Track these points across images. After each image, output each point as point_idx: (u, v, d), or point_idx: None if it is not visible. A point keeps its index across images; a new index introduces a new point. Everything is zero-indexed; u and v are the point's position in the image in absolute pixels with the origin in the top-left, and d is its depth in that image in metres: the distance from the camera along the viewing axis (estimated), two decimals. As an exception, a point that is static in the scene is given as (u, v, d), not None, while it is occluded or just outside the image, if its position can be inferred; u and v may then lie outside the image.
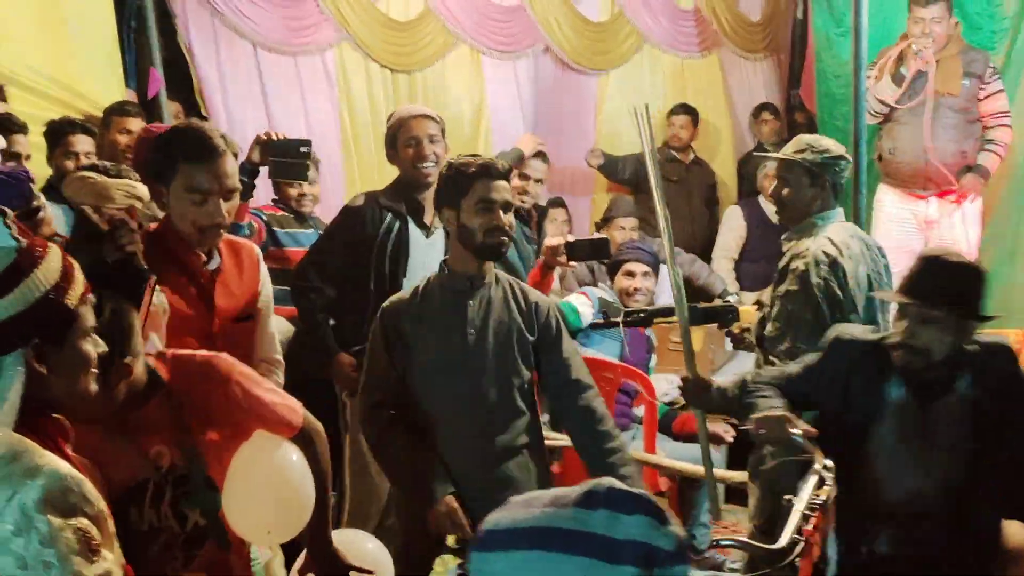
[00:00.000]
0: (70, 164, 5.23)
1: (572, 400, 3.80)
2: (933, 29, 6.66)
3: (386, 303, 3.85)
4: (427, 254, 4.70)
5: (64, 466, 2.08)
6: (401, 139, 4.69)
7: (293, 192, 5.82)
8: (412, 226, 4.70)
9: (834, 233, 4.29)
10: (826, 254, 4.19)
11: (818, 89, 8.53)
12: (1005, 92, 6.90)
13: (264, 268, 3.82)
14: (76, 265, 2.28)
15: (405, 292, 3.87)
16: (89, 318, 2.28)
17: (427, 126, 4.73)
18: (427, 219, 4.75)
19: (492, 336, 3.72)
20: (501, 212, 3.68)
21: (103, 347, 2.34)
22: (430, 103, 7.68)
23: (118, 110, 5.82)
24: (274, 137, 4.46)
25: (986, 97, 6.82)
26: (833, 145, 4.41)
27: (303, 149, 4.45)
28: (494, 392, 3.70)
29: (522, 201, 5.64)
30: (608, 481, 1.60)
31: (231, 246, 3.70)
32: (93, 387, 2.32)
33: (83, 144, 5.32)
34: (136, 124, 5.70)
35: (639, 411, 5.64)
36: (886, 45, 6.97)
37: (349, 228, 4.72)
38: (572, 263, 4.87)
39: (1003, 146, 6.86)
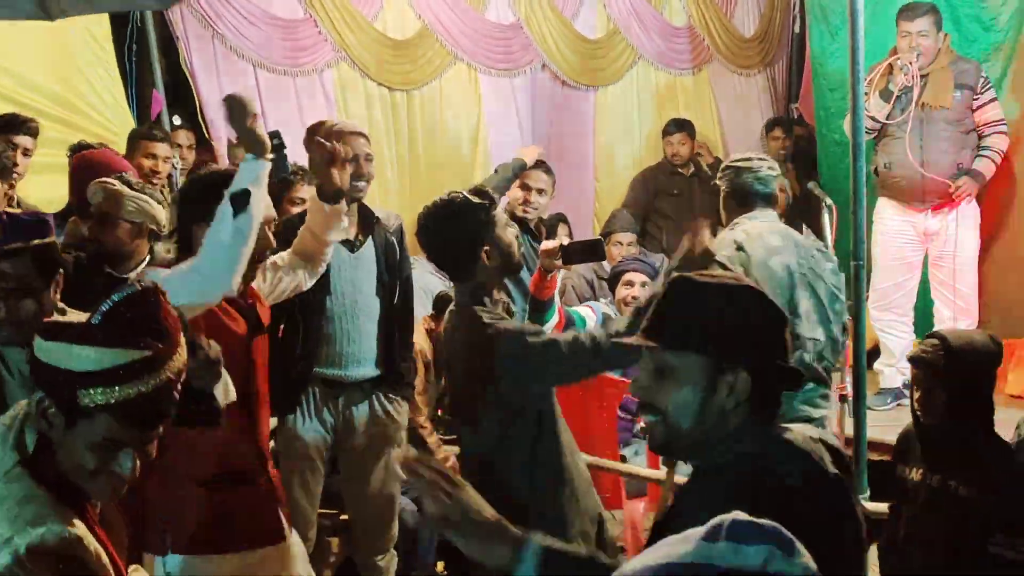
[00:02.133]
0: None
1: None
2: (920, 43, 6.67)
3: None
4: (355, 270, 4.68)
5: (68, 524, 2.11)
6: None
7: (295, 211, 5.82)
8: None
9: (750, 226, 4.55)
10: (734, 240, 4.47)
11: (816, 103, 8.57)
12: (998, 101, 6.93)
13: None
14: None
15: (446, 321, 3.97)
16: None
17: (364, 144, 4.68)
18: (349, 235, 4.64)
19: None
20: None
21: None
22: (427, 121, 7.76)
23: (145, 134, 5.87)
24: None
25: (980, 107, 6.82)
26: (739, 159, 4.79)
27: (275, 142, 4.44)
28: None
29: (524, 212, 5.61)
30: (734, 514, 1.58)
31: None
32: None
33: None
34: (162, 149, 5.76)
35: (641, 426, 5.66)
36: (880, 59, 7.00)
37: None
38: (568, 266, 4.87)
39: (998, 152, 6.87)
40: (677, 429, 2.18)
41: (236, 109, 3.44)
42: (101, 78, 6.36)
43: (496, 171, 5.66)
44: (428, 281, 6.70)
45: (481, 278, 3.69)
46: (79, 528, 2.12)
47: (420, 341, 5.47)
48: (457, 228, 3.66)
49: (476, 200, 3.66)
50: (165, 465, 3.32)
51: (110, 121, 6.29)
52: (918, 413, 3.74)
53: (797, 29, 9.91)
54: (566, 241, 4.71)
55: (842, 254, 6.43)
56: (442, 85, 7.88)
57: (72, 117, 6.15)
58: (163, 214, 4.24)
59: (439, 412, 5.85)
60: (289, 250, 4.07)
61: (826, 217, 6.73)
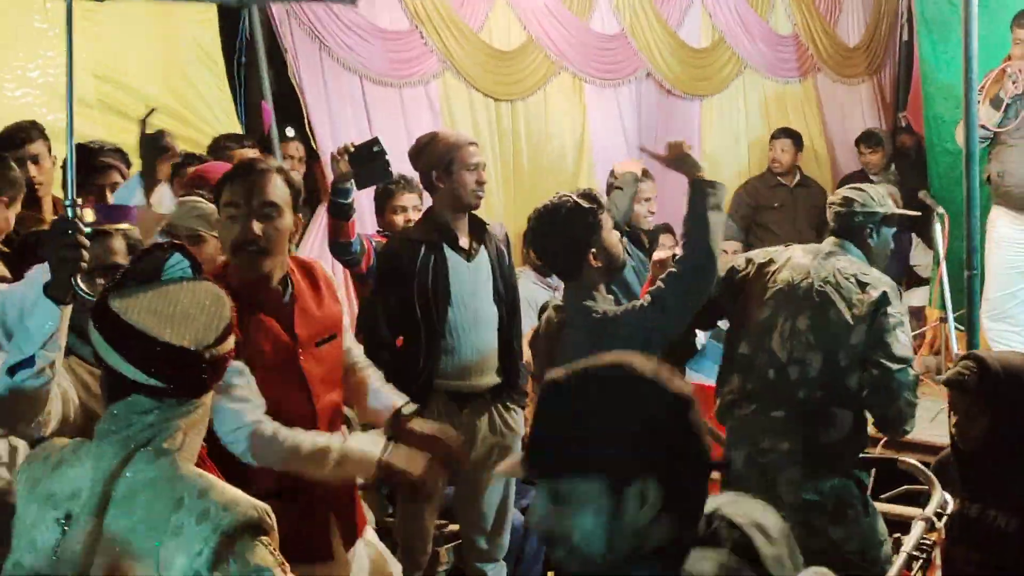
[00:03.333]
0: None
1: None
2: (1035, 50, 6.55)
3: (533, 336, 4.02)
4: (473, 279, 4.67)
5: (249, 497, 2.21)
6: (460, 163, 4.61)
7: (398, 219, 5.83)
8: (450, 253, 4.63)
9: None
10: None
11: (926, 112, 8.40)
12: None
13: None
14: None
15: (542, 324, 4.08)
16: None
17: (479, 152, 4.75)
18: (464, 243, 4.69)
19: None
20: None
21: None
22: (532, 131, 7.76)
23: (224, 144, 5.89)
24: (347, 147, 4.48)
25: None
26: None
27: (375, 149, 4.46)
28: None
29: (647, 223, 5.70)
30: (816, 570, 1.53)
31: (303, 268, 3.61)
32: None
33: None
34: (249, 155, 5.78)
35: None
36: (993, 67, 6.85)
37: (390, 271, 4.65)
38: None
39: None
40: (590, 559, 1.82)
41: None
42: (211, 90, 6.46)
43: (619, 190, 5.60)
44: (531, 291, 6.69)
45: (588, 278, 3.90)
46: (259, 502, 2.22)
47: (529, 353, 5.45)
48: (566, 230, 3.87)
49: (585, 204, 3.85)
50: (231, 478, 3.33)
51: (220, 134, 6.37)
52: (955, 439, 3.51)
53: (905, 37, 9.77)
54: (678, 252, 4.65)
55: (954, 263, 6.31)
56: (547, 95, 7.88)
57: (183, 130, 6.23)
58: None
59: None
60: None
61: (937, 226, 6.62)
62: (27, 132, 4.85)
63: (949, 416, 3.54)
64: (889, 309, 3.99)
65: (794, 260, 4.27)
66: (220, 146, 5.82)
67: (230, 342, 2.25)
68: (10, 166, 4.04)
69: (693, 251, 3.85)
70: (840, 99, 9.75)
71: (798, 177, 8.53)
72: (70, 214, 2.85)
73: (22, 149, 4.77)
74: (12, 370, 2.80)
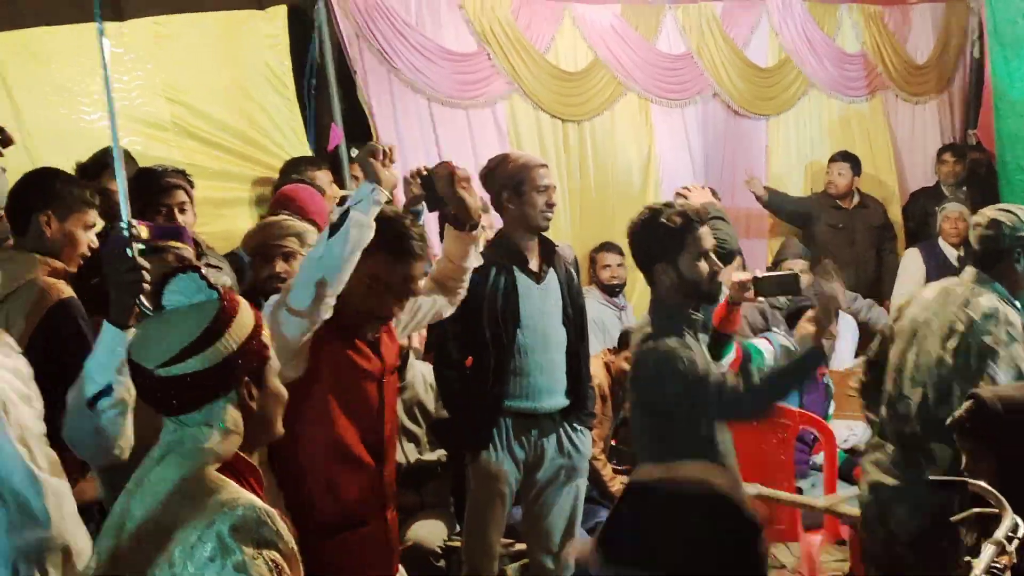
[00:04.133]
0: None
1: None
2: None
3: (642, 348, 3.93)
4: (543, 301, 4.69)
5: (260, 502, 2.19)
6: (530, 185, 4.63)
7: None
8: (520, 275, 4.66)
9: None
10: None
11: (998, 129, 8.29)
12: None
13: None
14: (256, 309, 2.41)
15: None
16: (276, 358, 2.41)
17: (549, 174, 4.77)
18: (534, 266, 4.71)
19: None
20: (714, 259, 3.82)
21: (285, 393, 2.44)
22: (599, 152, 7.77)
23: (301, 165, 5.98)
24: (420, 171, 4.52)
25: None
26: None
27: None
28: None
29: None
30: None
31: None
32: (281, 428, 2.44)
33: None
34: (322, 177, 5.86)
35: (818, 458, 5.54)
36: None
37: None
38: (759, 298, 4.82)
39: None
40: None
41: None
42: (281, 112, 6.53)
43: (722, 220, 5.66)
44: (598, 311, 6.71)
45: (658, 295, 3.92)
46: (268, 506, 2.20)
47: (598, 374, 5.45)
48: (639, 238, 3.92)
49: (659, 216, 3.83)
50: (294, 514, 3.38)
51: (290, 155, 6.44)
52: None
53: (976, 54, 9.66)
54: (759, 273, 4.64)
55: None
56: (613, 115, 7.88)
57: (253, 151, 6.33)
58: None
59: (613, 442, 5.83)
60: (427, 277, 3.98)
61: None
62: (97, 166, 4.94)
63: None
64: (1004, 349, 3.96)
65: (924, 296, 4.31)
66: (293, 168, 5.91)
67: (192, 362, 2.22)
68: (60, 180, 4.03)
69: (775, 388, 3.88)
70: (908, 117, 9.65)
71: (856, 199, 8.45)
72: (125, 234, 2.91)
73: (103, 177, 4.88)
74: (92, 402, 2.85)
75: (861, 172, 8.50)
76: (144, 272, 2.85)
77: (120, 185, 3.19)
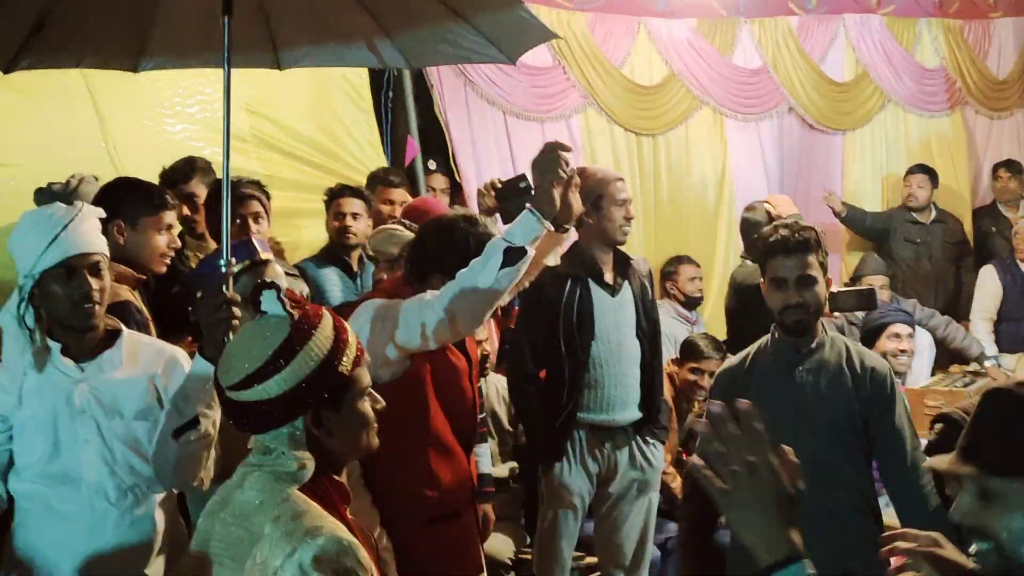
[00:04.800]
0: (338, 224, 5.45)
1: (902, 484, 3.57)
2: None
3: (719, 369, 3.89)
4: (617, 314, 4.69)
5: (343, 531, 2.17)
6: (608, 199, 4.65)
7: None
8: (595, 288, 4.67)
9: None
10: None
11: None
12: None
13: None
14: (350, 329, 2.34)
15: (736, 359, 3.83)
16: (365, 378, 2.35)
17: (627, 188, 4.78)
18: (608, 279, 4.72)
19: (821, 403, 3.58)
20: (792, 290, 3.59)
21: (382, 403, 2.39)
22: (673, 166, 7.77)
23: (382, 179, 6.04)
24: (494, 183, 4.52)
25: None
26: None
27: (522, 184, 4.44)
28: (822, 457, 3.48)
29: None
30: None
31: None
32: (375, 442, 2.39)
33: (351, 206, 5.46)
34: (400, 195, 5.90)
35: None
36: None
37: (536, 305, 4.67)
38: (835, 313, 4.77)
39: None
40: (1015, 557, 1.98)
41: (548, 163, 3.32)
42: (359, 125, 6.59)
43: None
44: (670, 324, 6.69)
45: None
46: (351, 536, 2.17)
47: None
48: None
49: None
50: (385, 505, 3.44)
51: (367, 167, 6.51)
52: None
53: (1059, 68, 9.52)
54: (834, 288, 4.61)
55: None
56: (688, 129, 7.88)
57: (331, 163, 6.40)
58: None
59: (684, 456, 5.80)
60: None
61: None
62: (183, 172, 5.04)
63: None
64: None
65: None
66: (378, 181, 6.00)
67: (257, 391, 2.22)
68: (125, 189, 4.12)
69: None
70: (988, 133, 9.53)
71: (934, 213, 8.35)
72: (223, 270, 2.98)
73: (177, 188, 4.97)
74: (177, 433, 2.90)
75: (939, 184, 8.41)
76: (234, 310, 2.90)
77: (224, 225, 3.28)
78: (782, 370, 3.65)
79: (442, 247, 3.59)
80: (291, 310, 2.27)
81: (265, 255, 3.60)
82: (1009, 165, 8.74)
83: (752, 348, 3.78)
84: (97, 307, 3.21)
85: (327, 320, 2.31)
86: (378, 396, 2.39)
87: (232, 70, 3.72)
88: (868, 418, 3.58)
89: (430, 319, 3.28)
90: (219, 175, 4.96)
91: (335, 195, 5.53)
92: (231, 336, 2.82)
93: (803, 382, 3.60)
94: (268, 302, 2.29)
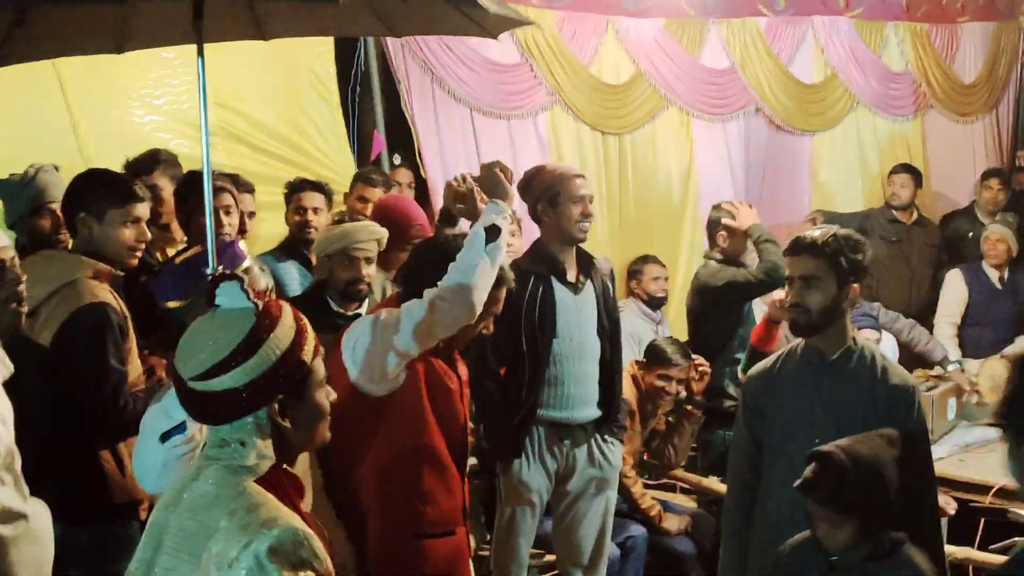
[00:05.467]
0: (298, 219, 5.45)
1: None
2: None
3: (751, 371, 3.92)
4: (579, 312, 4.69)
5: (298, 522, 2.18)
6: (565, 196, 4.63)
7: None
8: (557, 286, 4.66)
9: None
10: None
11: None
12: None
13: None
14: (307, 321, 2.36)
15: (768, 361, 3.85)
16: (321, 370, 2.36)
17: (587, 185, 4.75)
18: (571, 277, 4.71)
19: (838, 414, 3.57)
20: (795, 289, 3.64)
21: (334, 395, 2.41)
22: (639, 165, 7.78)
23: (364, 177, 6.05)
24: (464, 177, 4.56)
25: None
26: None
27: None
28: None
29: None
30: None
31: None
32: (328, 435, 2.41)
33: (312, 200, 5.46)
34: (376, 196, 5.89)
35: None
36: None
37: None
38: None
39: None
40: None
41: (489, 179, 3.83)
42: (325, 119, 6.58)
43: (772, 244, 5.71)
44: (635, 324, 6.70)
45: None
46: (307, 527, 2.19)
47: (627, 388, 5.46)
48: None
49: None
50: (377, 519, 3.48)
51: (332, 161, 6.52)
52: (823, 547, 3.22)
53: (1027, 74, 9.63)
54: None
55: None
56: (655, 129, 7.88)
57: (297, 157, 6.39)
58: (386, 234, 4.63)
59: (645, 456, 5.82)
60: None
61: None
62: (146, 164, 5.00)
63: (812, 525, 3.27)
64: None
65: None
66: (360, 178, 6.04)
67: (222, 380, 2.22)
68: (90, 181, 4.06)
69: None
70: (953, 137, 9.61)
71: (915, 215, 8.40)
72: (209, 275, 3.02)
73: (141, 179, 4.95)
74: (164, 437, 2.91)
75: (922, 184, 8.46)
76: None
77: (209, 233, 3.32)
78: (806, 376, 3.66)
79: (436, 263, 3.63)
80: (255, 300, 2.28)
81: (247, 262, 3.62)
82: (1000, 175, 8.74)
83: (784, 350, 3.80)
84: None
85: (287, 310, 2.33)
86: (331, 389, 2.41)
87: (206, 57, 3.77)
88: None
89: (436, 312, 3.43)
90: (185, 168, 5.00)
91: (295, 189, 5.53)
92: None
93: (824, 391, 3.61)
94: (226, 294, 2.29)
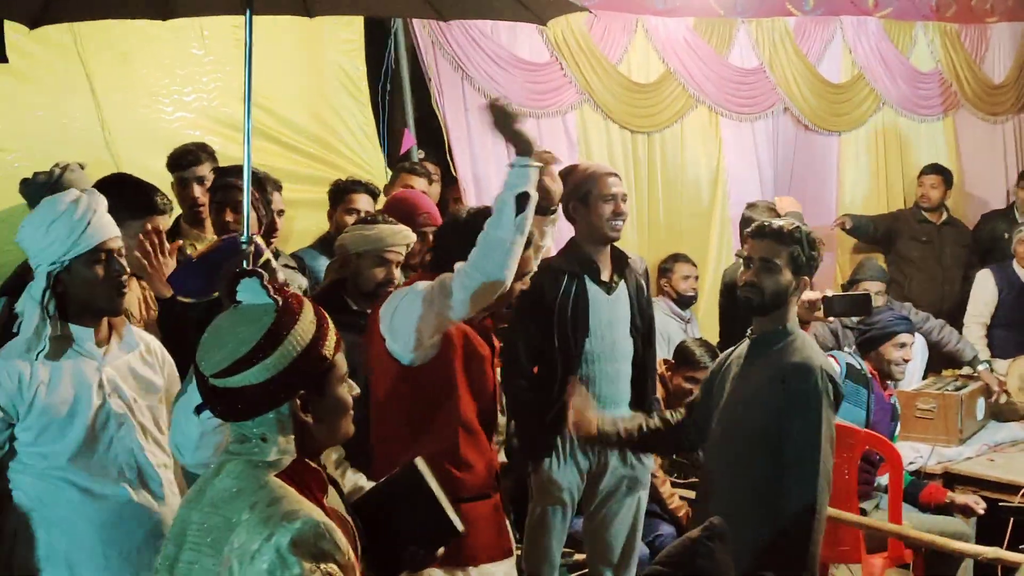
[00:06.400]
0: (350, 220, 5.42)
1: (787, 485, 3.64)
2: None
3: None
4: (612, 311, 4.69)
5: (319, 514, 2.19)
6: (596, 194, 4.65)
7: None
8: (590, 284, 4.67)
9: None
10: None
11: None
12: None
13: None
14: (327, 315, 2.38)
15: (723, 355, 4.04)
16: (343, 364, 2.38)
17: (619, 183, 4.76)
18: (605, 276, 4.72)
19: (752, 395, 3.77)
20: (753, 269, 3.82)
21: (357, 390, 2.43)
22: (668, 164, 7.77)
23: (407, 168, 6.11)
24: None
25: None
26: None
27: None
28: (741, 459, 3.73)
29: None
30: None
31: None
32: (351, 429, 2.43)
33: (363, 202, 5.48)
34: (420, 183, 5.92)
35: (883, 479, 5.50)
36: None
37: (529, 299, 4.58)
38: (830, 318, 4.78)
39: None
40: None
41: (499, 115, 3.64)
42: (355, 117, 6.59)
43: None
44: (664, 322, 6.70)
45: None
46: (328, 519, 2.20)
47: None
48: None
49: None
50: None
51: (362, 159, 6.52)
52: None
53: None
54: (830, 292, 4.61)
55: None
56: (683, 128, 7.87)
57: (326, 154, 6.40)
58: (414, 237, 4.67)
59: (675, 456, 5.81)
60: None
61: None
62: (195, 155, 5.07)
63: None
64: None
65: None
66: (403, 169, 6.12)
67: (242, 377, 2.23)
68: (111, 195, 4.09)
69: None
70: (982, 137, 9.57)
71: (945, 215, 8.37)
72: (244, 248, 3.06)
73: (189, 171, 4.99)
74: (199, 410, 2.94)
75: (952, 184, 8.43)
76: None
77: (245, 203, 3.34)
78: (740, 361, 3.86)
79: (461, 238, 3.67)
80: (275, 296, 2.29)
81: (266, 255, 3.63)
82: None
83: (736, 347, 3.96)
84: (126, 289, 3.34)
85: (308, 305, 2.35)
86: (353, 383, 2.43)
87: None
88: (780, 411, 3.67)
89: (469, 283, 3.44)
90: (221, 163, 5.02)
91: (346, 190, 5.54)
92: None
93: (751, 371, 3.79)
94: (247, 290, 2.31)
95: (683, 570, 2.60)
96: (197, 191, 4.96)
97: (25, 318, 3.29)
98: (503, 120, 3.62)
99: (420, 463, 2.60)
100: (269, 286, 2.30)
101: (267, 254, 3.65)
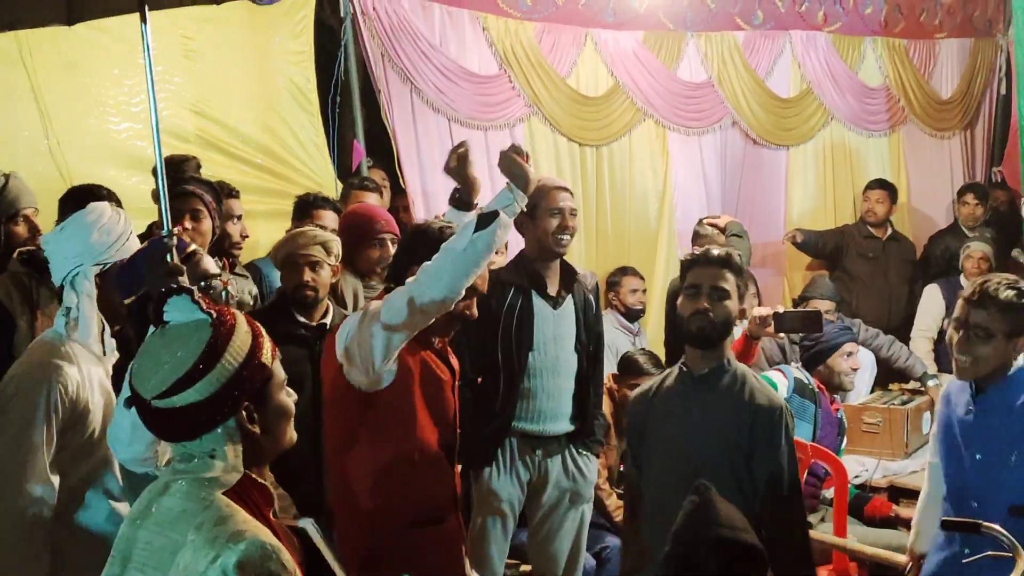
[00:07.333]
0: None
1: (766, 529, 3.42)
2: None
3: (633, 393, 3.96)
4: (557, 326, 4.69)
5: (266, 534, 2.18)
6: (544, 207, 4.62)
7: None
8: (536, 299, 4.66)
9: None
10: None
11: (1024, 166, 8.30)
12: None
13: None
14: (259, 325, 2.37)
15: (650, 381, 3.92)
16: (281, 372, 2.38)
17: (568, 198, 4.73)
18: (552, 290, 4.71)
19: (709, 434, 3.62)
20: (704, 297, 3.65)
21: (295, 395, 2.43)
22: (615, 177, 7.80)
23: (358, 185, 6.10)
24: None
25: None
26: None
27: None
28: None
29: None
30: None
31: None
32: (294, 435, 2.42)
33: (329, 219, 5.44)
34: (372, 199, 5.93)
35: (828, 493, 5.54)
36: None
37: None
38: (779, 334, 4.80)
39: None
40: None
41: (508, 162, 3.66)
42: (305, 128, 6.55)
43: (739, 238, 5.73)
44: (613, 336, 6.71)
45: None
46: (275, 540, 2.18)
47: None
48: None
49: None
50: (369, 509, 3.48)
51: (312, 170, 6.49)
52: None
53: (1003, 90, 9.69)
54: (781, 309, 4.63)
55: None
56: (631, 141, 7.89)
57: (276, 166, 6.37)
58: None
59: (621, 468, 5.82)
60: None
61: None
62: (180, 168, 5.08)
63: None
64: None
65: None
66: (354, 186, 6.12)
67: (185, 396, 2.21)
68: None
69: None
70: (929, 153, 9.68)
71: (890, 231, 8.46)
72: (166, 242, 3.05)
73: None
74: (129, 402, 2.91)
75: (897, 200, 8.51)
76: (181, 278, 2.98)
77: (161, 195, 3.33)
78: (679, 396, 3.71)
79: (420, 243, 3.72)
80: (208, 311, 2.28)
81: (192, 247, 3.62)
82: (975, 189, 8.76)
83: (664, 374, 3.85)
84: None
85: (240, 316, 2.34)
86: (291, 390, 2.42)
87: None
88: (751, 453, 3.59)
89: (413, 290, 3.41)
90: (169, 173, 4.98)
91: (313, 205, 5.52)
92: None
93: (694, 410, 3.66)
94: (176, 308, 2.29)
95: (697, 531, 2.55)
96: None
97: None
98: (511, 166, 3.64)
99: (310, 527, 2.56)
100: (201, 301, 2.28)
101: (193, 246, 3.63)
